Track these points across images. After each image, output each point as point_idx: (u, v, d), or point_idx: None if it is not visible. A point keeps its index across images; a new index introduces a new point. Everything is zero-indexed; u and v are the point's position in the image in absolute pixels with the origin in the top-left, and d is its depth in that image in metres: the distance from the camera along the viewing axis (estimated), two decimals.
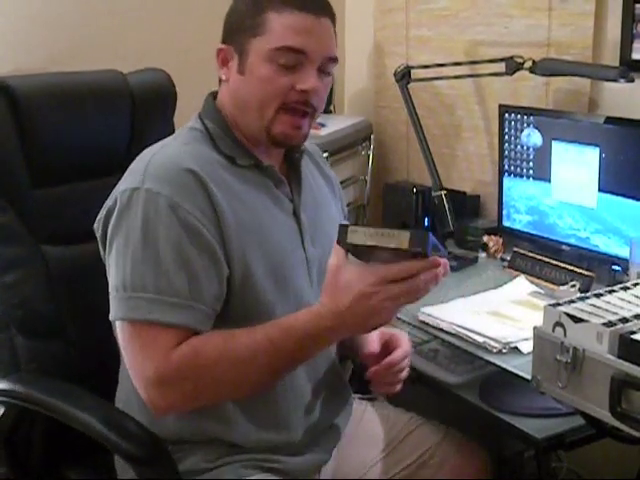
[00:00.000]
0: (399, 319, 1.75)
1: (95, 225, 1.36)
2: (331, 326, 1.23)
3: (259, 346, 1.25)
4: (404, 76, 2.21)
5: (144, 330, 1.25)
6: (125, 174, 1.35)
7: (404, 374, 1.49)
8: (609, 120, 1.90)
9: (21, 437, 1.52)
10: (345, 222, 1.48)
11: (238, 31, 1.35)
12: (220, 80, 1.41)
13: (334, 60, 1.37)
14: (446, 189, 2.17)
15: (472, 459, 1.62)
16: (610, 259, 1.92)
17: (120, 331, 1.28)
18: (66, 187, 1.61)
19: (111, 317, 1.29)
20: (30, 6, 2.08)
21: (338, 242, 1.20)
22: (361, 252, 1.21)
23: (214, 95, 1.44)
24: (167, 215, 1.25)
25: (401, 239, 1.14)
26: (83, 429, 1.35)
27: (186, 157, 1.31)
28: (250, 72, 1.34)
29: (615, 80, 1.85)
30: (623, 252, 1.85)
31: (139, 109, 1.71)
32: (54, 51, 2.09)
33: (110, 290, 1.29)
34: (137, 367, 1.27)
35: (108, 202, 1.33)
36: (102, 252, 1.35)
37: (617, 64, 1.97)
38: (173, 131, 1.78)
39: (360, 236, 1.17)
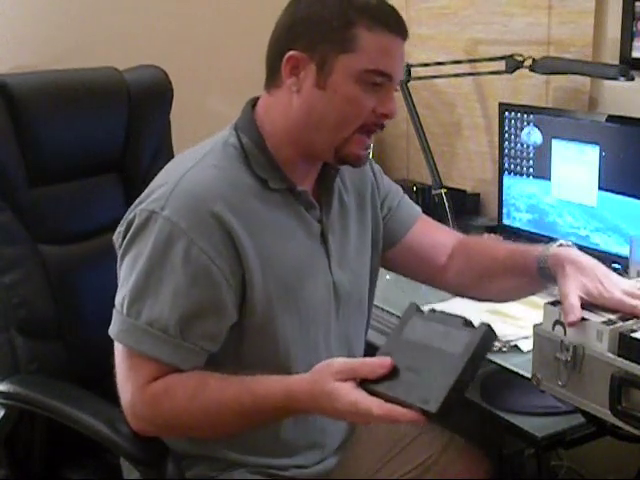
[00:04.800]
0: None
1: (114, 236, 1.32)
2: (305, 410, 1.21)
3: (227, 405, 1.22)
4: (404, 74, 2.21)
5: (134, 356, 1.25)
6: (152, 185, 1.30)
7: None
8: (610, 118, 1.90)
9: (21, 439, 1.51)
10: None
11: (321, 41, 1.25)
12: (272, 88, 1.31)
13: None
14: (446, 187, 2.16)
15: (475, 468, 1.60)
16: (610, 257, 1.91)
17: (115, 347, 1.29)
18: (63, 186, 1.61)
19: (109, 332, 1.28)
20: (28, 5, 2.07)
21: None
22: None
23: (253, 103, 1.35)
24: (177, 248, 1.22)
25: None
26: (87, 432, 1.35)
27: (215, 190, 1.25)
28: (333, 89, 1.25)
29: (615, 78, 1.85)
30: (623, 250, 1.85)
31: (135, 106, 1.70)
32: (52, 49, 2.09)
33: (115, 302, 1.28)
34: (121, 387, 1.27)
35: (129, 214, 1.28)
36: (118, 262, 1.31)
37: (617, 62, 1.97)
38: (169, 129, 1.77)
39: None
